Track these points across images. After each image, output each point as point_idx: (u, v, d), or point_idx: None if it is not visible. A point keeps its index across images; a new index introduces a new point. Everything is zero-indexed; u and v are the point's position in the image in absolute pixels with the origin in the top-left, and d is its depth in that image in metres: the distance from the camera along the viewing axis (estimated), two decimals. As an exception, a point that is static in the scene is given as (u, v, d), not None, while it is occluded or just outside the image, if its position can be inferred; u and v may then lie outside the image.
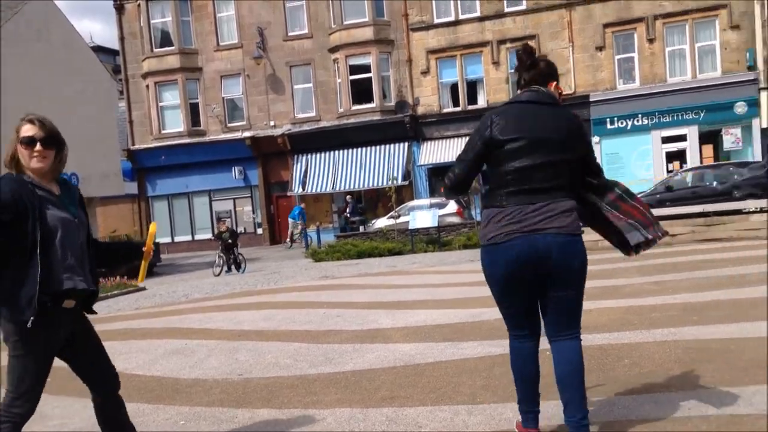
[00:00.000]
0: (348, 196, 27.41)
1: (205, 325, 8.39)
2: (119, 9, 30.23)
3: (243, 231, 29.30)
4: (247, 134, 28.81)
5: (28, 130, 3.03)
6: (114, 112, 24.30)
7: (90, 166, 21.84)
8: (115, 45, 33.23)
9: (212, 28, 29.40)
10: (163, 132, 29.57)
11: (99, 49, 38.29)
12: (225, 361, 6.10)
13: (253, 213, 29.73)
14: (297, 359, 5.87)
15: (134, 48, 30.10)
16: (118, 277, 15.77)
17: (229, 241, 17.51)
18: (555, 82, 3.23)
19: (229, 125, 29.44)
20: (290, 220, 27.21)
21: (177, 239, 30.34)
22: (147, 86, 29.72)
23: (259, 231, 29.63)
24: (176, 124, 29.51)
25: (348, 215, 26.87)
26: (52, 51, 20.92)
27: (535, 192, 3.05)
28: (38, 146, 3.01)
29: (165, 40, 29.55)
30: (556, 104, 3.20)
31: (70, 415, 4.84)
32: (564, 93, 3.24)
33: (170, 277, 18.29)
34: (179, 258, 26.51)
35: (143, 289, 14.97)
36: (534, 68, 3.24)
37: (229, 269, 17.30)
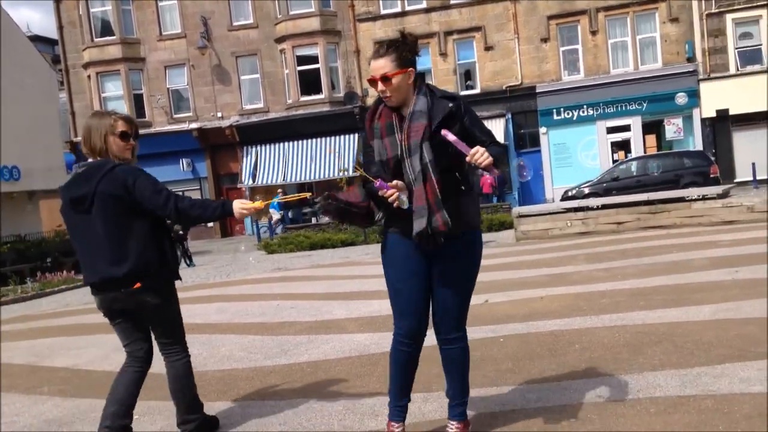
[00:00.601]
0: (279, 190, 27.41)
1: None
2: (57, -3, 29.30)
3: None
4: (194, 126, 28.33)
5: (122, 126, 3.60)
6: (55, 104, 23.58)
7: (32, 159, 21.21)
8: (54, 34, 32.18)
9: (154, 18, 28.75)
10: (106, 124, 28.75)
11: (37, 39, 37.04)
12: (178, 355, 6.00)
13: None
14: (252, 351, 5.83)
15: (74, 37, 29.21)
16: (64, 272, 15.36)
17: (180, 232, 16.99)
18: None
19: (175, 116, 28.90)
20: (272, 210, 26.56)
21: (123, 233, 29.62)
22: (88, 77, 28.91)
23: (210, 224, 29.19)
24: (120, 115, 28.74)
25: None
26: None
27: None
28: (131, 140, 3.64)
29: (105, 29, 28.77)
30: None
31: (19, 412, 4.71)
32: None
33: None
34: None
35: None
36: None
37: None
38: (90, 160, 3.63)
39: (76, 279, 14.84)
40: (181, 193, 3.69)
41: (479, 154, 2.90)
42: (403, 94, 3.14)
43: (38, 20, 68.28)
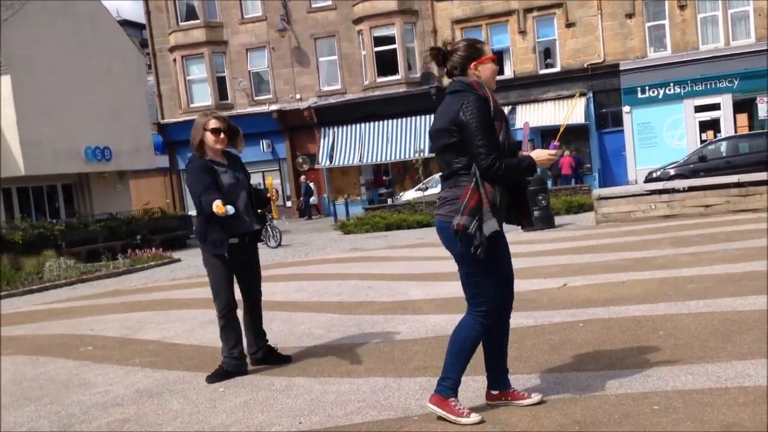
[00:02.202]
0: (302, 177, 27.69)
1: (239, 295, 8.49)
2: (145, -17, 30.28)
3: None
4: (273, 107, 28.85)
5: (214, 123, 4.69)
6: (143, 87, 24.47)
7: (121, 141, 22.12)
8: (141, 19, 33.33)
9: (236, 2, 29.33)
10: (191, 106, 29.72)
11: (126, 23, 38.44)
12: (260, 331, 6.20)
13: (282, 185, 29.88)
14: (330, 330, 5.95)
15: (160, 22, 30.17)
16: (153, 249, 16.02)
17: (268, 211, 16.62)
18: (474, 62, 3.35)
19: (256, 98, 29.51)
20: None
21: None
22: (174, 60, 29.84)
23: (288, 203, 29.80)
24: (204, 97, 29.65)
25: (303, 199, 27.92)
26: (78, 26, 21.06)
27: (442, 180, 3.45)
28: (222, 135, 4.71)
29: (190, 13, 29.58)
30: (459, 92, 3.31)
31: (112, 382, 4.98)
32: (486, 58, 3.36)
33: (201, 249, 18.50)
34: (301, 222, 26.60)
35: (178, 260, 15.22)
36: (448, 63, 3.42)
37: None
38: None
39: (164, 256, 15.48)
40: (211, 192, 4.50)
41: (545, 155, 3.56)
42: None
43: (128, 6, 70.80)
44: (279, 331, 6.12)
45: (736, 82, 24.23)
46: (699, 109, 25.00)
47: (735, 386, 3.50)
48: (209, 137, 4.66)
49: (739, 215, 11.72)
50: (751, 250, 7.77)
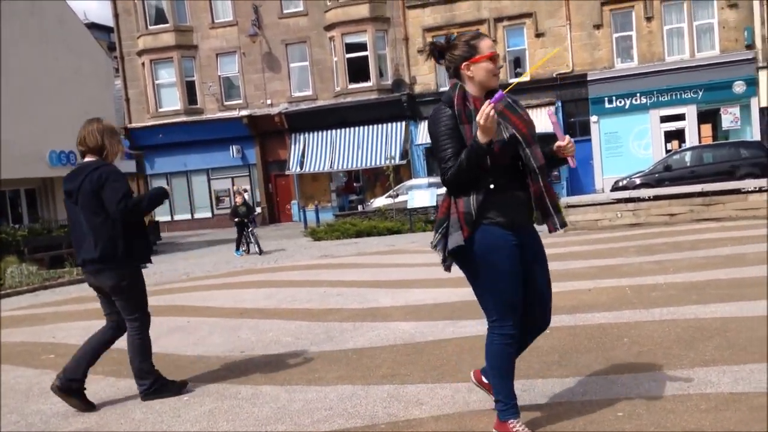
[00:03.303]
0: (241, 188, 27.78)
1: (206, 302, 8.44)
2: (113, -15, 29.94)
3: (228, 215, 29.34)
4: (244, 113, 28.69)
5: (114, 127, 4.59)
6: (110, 90, 24.12)
7: (87, 145, 21.71)
8: (109, 22, 32.90)
9: (206, 6, 29.15)
10: (160, 110, 29.44)
11: (93, 26, 37.92)
12: (227, 338, 6.15)
13: (251, 192, 29.73)
14: (298, 337, 5.91)
15: (129, 25, 29.84)
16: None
17: (246, 218, 16.15)
18: (466, 62, 3.11)
19: (226, 104, 29.31)
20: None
21: (176, 218, 30.35)
22: (142, 64, 29.53)
23: (258, 210, 29.58)
24: (173, 102, 29.37)
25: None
26: (45, 28, 20.71)
27: None
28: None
29: (160, 17, 29.31)
30: (442, 100, 3.14)
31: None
32: (480, 57, 3.08)
33: (170, 255, 18.31)
34: (178, 236, 26.51)
35: (144, 267, 14.99)
36: (445, 60, 3.22)
37: (238, 249, 16.04)
38: (86, 159, 4.44)
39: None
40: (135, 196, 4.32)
41: (571, 143, 3.16)
42: None
43: (95, 8, 69.92)
44: (246, 338, 6.07)
45: (701, 93, 24.73)
46: (664, 119, 25.46)
47: (697, 393, 3.55)
48: (116, 144, 4.51)
49: (703, 224, 11.94)
50: (714, 259, 7.92)
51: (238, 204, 16.81)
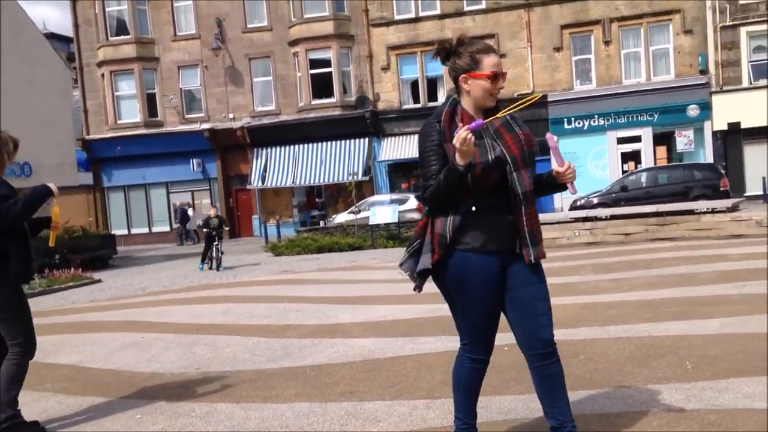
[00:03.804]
0: (178, 203, 27.59)
1: (162, 318, 8.28)
2: (73, -4, 29.52)
3: (200, 224, 28.96)
4: (205, 126, 28.44)
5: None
6: (68, 101, 23.72)
7: (43, 156, 21.31)
8: (69, 32, 32.40)
9: (169, 18, 28.92)
10: (119, 122, 29.01)
11: (53, 36, 37.32)
12: (182, 354, 6.04)
13: (212, 205, 29.42)
14: (256, 353, 5.84)
15: (89, 36, 29.42)
16: (72, 270, 15.42)
17: (205, 228, 16.02)
18: (465, 75, 2.93)
19: (187, 117, 29.02)
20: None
21: (134, 231, 29.85)
22: (102, 75, 29.11)
23: (226, 228, 29.27)
24: (132, 114, 28.98)
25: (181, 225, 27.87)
26: (1, 37, 20.29)
27: None
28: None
29: (121, 28, 28.96)
30: (433, 114, 3.00)
31: (22, 409, 4.73)
32: (482, 75, 2.89)
33: (126, 269, 17.98)
34: (136, 250, 26.06)
35: (99, 281, 14.70)
36: (449, 64, 3.03)
37: (203, 262, 15.60)
38: None
39: (84, 276, 14.92)
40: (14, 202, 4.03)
41: (572, 169, 2.96)
42: None
43: (55, 18, 68.77)
44: (203, 354, 5.97)
45: (656, 116, 25.34)
46: (621, 140, 26.01)
47: (650, 410, 3.61)
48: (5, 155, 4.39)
49: (658, 243, 12.20)
50: (668, 278, 8.08)
51: (211, 216, 16.47)
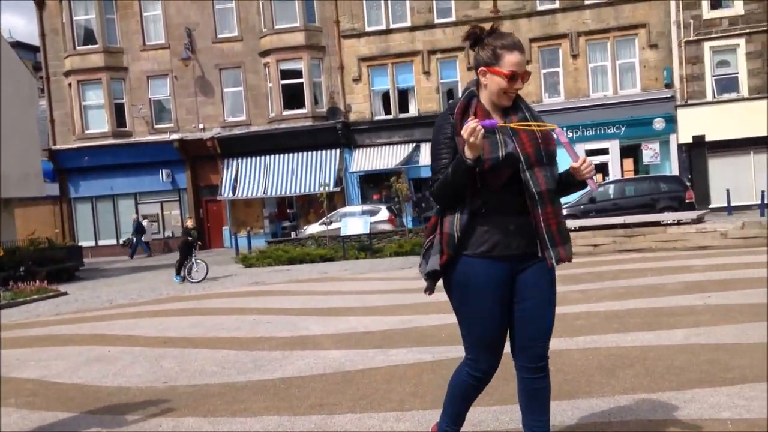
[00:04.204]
0: (134, 216, 27.62)
1: (129, 331, 8.16)
2: (40, 4, 29.10)
3: (171, 235, 28.72)
4: (175, 136, 28.18)
5: None
6: (34, 111, 23.30)
7: (9, 166, 20.90)
8: (36, 41, 31.93)
9: (138, 27, 28.67)
10: (86, 132, 28.62)
11: (19, 45, 36.73)
12: (149, 368, 5.95)
13: (182, 217, 29.16)
14: (225, 366, 5.78)
15: (56, 45, 29.03)
16: (37, 282, 15.12)
17: (188, 238, 15.62)
18: (484, 68, 2.80)
19: (156, 127, 28.74)
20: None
21: (101, 243, 29.40)
22: (69, 84, 28.71)
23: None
24: (100, 124, 28.62)
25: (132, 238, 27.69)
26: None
27: None
28: None
29: (89, 37, 28.63)
30: (449, 106, 2.91)
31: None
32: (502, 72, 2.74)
33: (93, 281, 17.69)
34: (103, 262, 25.66)
35: (65, 294, 14.44)
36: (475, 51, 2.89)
37: (189, 274, 15.03)
38: None
39: (50, 289, 14.64)
40: None
41: (588, 162, 2.76)
42: None
43: (22, 27, 67.75)
44: (170, 368, 5.89)
45: (623, 129, 25.75)
46: (589, 153, 26.26)
47: (617, 420, 3.64)
48: None
49: (625, 255, 12.36)
50: (634, 288, 8.19)
51: (189, 227, 16.12)
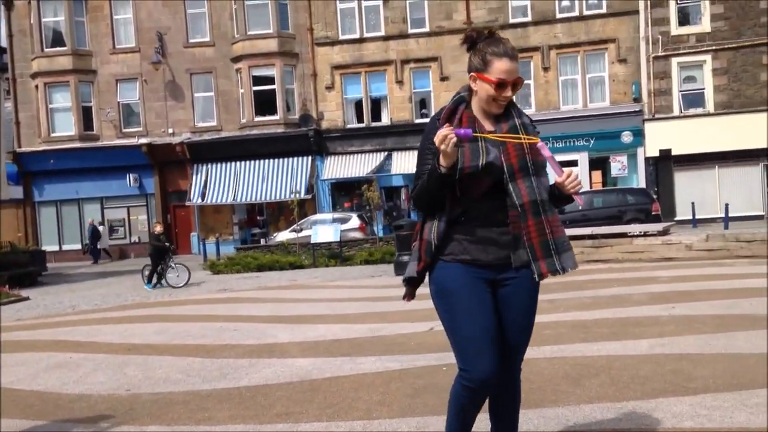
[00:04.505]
0: (90, 220, 27.39)
1: (92, 337, 8.01)
2: (8, 5, 28.61)
3: (137, 240, 28.34)
4: (143, 141, 27.85)
5: None
6: (-1, 112, 22.87)
7: (-30, 168, 20.47)
8: (3, 42, 31.36)
9: (108, 30, 28.32)
10: (52, 135, 28.13)
11: (-16, 45, 36.04)
12: (112, 375, 5.84)
13: (149, 222, 28.78)
14: (189, 374, 5.69)
15: (24, 46, 28.52)
16: (-3, 286, 14.79)
17: (167, 244, 15.51)
18: (474, 74, 2.72)
19: (125, 131, 28.37)
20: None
21: (65, 247, 28.86)
22: (36, 86, 28.22)
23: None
24: (67, 127, 28.16)
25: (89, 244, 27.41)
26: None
27: None
28: None
29: (57, 40, 28.20)
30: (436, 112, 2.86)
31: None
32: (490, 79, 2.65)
33: (56, 287, 17.35)
34: (67, 267, 25.19)
35: (26, 299, 14.13)
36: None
37: (159, 281, 14.88)
38: None
39: (11, 294, 14.33)
40: None
41: (573, 176, 2.63)
42: None
43: (-13, 26, 66.52)
44: (134, 376, 5.78)
45: (592, 142, 26.10)
46: (559, 164, 26.61)
47: (582, 429, 3.67)
48: None
49: (592, 265, 12.49)
50: (600, 299, 8.28)
51: (158, 232, 15.61)
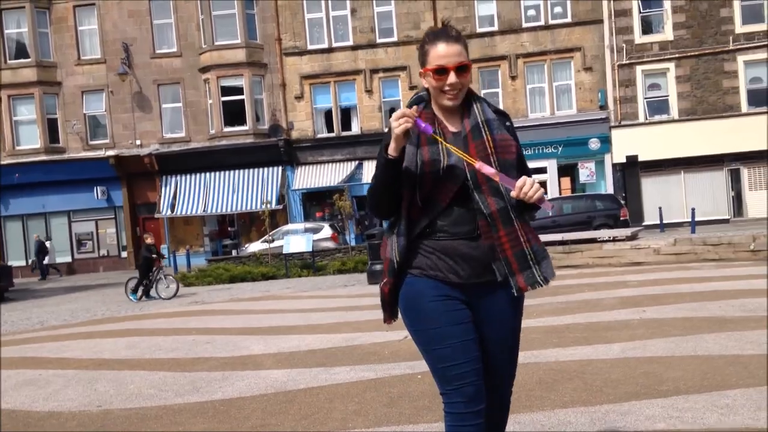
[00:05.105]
0: (36, 236, 27.09)
1: (61, 353, 7.86)
2: (-30, 16, 28.11)
3: (106, 254, 27.93)
4: (110, 153, 27.49)
5: None
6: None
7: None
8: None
9: (73, 42, 27.94)
10: (17, 148, 27.64)
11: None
12: (83, 391, 5.74)
13: (117, 235, 28.38)
14: (162, 389, 5.62)
15: (-13, 58, 28.04)
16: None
17: (154, 255, 15.23)
18: (420, 71, 2.51)
19: (91, 143, 27.99)
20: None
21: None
22: None
23: (124, 254, 28.24)
24: (32, 140, 27.68)
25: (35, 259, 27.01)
26: None
27: None
28: None
29: (21, 51, 27.76)
30: None
31: None
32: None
33: (24, 302, 16.99)
34: (34, 282, 24.71)
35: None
36: None
37: (147, 293, 14.74)
38: None
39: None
40: None
41: (528, 186, 2.28)
42: (464, 94, 2.46)
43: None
44: (105, 391, 5.69)
45: (560, 149, 26.41)
46: (528, 171, 26.91)
47: (558, 433, 3.70)
48: None
49: (563, 271, 12.60)
50: (572, 304, 8.36)
51: (150, 243, 15.48)
